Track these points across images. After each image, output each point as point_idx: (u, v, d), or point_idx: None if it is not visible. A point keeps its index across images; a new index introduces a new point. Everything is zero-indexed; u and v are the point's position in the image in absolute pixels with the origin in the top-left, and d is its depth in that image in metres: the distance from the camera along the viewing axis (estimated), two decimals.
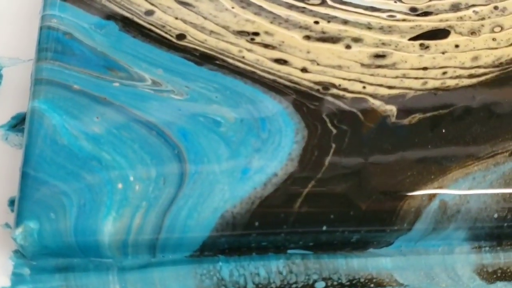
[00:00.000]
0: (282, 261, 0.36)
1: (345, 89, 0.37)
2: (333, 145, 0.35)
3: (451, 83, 0.38)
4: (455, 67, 0.38)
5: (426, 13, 0.40)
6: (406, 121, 0.36)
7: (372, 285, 0.36)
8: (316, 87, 0.37)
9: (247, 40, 0.38)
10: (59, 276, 0.35)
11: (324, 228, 0.34)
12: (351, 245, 0.35)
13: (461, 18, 0.40)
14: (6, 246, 0.35)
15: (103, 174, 0.34)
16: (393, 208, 0.34)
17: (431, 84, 0.37)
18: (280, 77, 0.37)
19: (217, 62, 0.37)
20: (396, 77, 0.38)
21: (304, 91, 0.37)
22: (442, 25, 0.39)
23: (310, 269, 0.36)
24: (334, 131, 0.36)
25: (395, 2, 0.40)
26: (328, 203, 0.34)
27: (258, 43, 0.38)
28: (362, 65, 0.38)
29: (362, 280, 0.36)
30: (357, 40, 0.39)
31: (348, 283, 0.35)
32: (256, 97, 0.36)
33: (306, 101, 0.36)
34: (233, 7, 0.39)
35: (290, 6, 0.40)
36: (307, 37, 0.39)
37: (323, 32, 0.39)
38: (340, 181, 0.35)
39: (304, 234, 0.35)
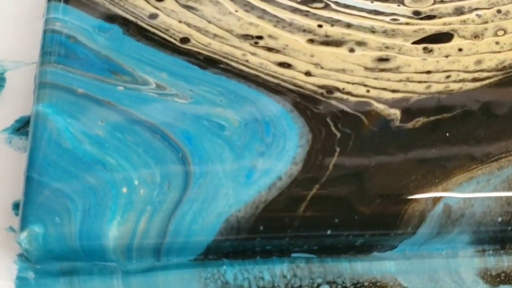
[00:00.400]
0: (286, 264, 0.36)
1: (349, 93, 0.37)
2: (337, 149, 0.35)
3: (455, 86, 0.38)
4: (458, 70, 0.38)
5: (429, 17, 0.40)
6: (410, 124, 0.36)
7: None
8: (320, 90, 0.37)
9: (251, 44, 0.38)
10: (63, 280, 0.35)
11: (329, 232, 0.34)
12: (355, 249, 0.35)
13: (464, 22, 0.40)
14: (11, 250, 0.35)
15: (108, 178, 0.34)
16: (398, 212, 0.35)
17: (435, 87, 0.38)
18: (284, 80, 0.37)
19: (221, 65, 0.37)
20: (400, 80, 0.38)
21: (308, 94, 0.37)
22: (445, 28, 0.40)
23: (314, 273, 0.36)
24: (338, 134, 0.36)
25: (399, 5, 0.40)
26: (332, 207, 0.34)
27: (262, 47, 0.38)
28: (366, 68, 0.38)
29: (366, 283, 0.36)
30: (360, 43, 0.39)
31: (352, 286, 0.36)
32: (260, 101, 0.37)
33: (310, 104, 0.37)
34: (236, 11, 0.39)
35: (294, 10, 0.40)
36: (311, 41, 0.39)
37: (327, 36, 0.39)
38: (345, 184, 0.35)
39: (309, 238, 0.35)
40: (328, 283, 0.36)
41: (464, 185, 0.35)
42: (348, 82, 0.37)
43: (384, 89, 0.37)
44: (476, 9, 0.40)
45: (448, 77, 0.38)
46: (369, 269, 0.36)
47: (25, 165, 0.34)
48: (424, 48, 0.39)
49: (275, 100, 0.37)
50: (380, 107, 0.37)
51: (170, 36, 0.38)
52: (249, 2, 0.40)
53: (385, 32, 0.39)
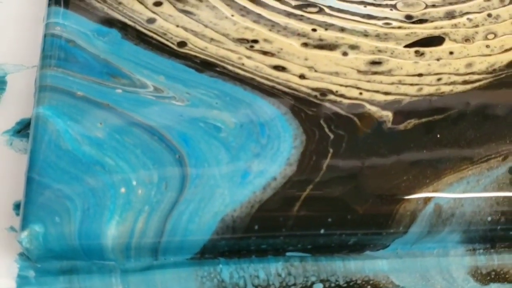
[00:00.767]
0: (281, 263, 0.36)
1: (342, 95, 0.38)
2: (331, 150, 0.36)
3: (446, 89, 0.38)
4: (449, 73, 0.39)
5: (421, 21, 0.40)
6: (401, 126, 0.37)
7: (369, 287, 0.36)
8: (314, 93, 0.38)
9: (246, 48, 0.39)
10: (63, 278, 0.35)
11: (322, 231, 0.35)
12: (348, 248, 0.36)
13: (455, 26, 0.40)
14: (12, 249, 0.35)
15: (107, 178, 0.34)
16: (389, 211, 0.35)
17: (426, 90, 0.38)
18: (278, 83, 0.38)
19: (217, 69, 0.38)
20: (392, 83, 0.38)
21: (302, 97, 0.37)
22: (437, 32, 0.40)
23: (308, 271, 0.36)
24: (332, 136, 0.36)
25: (391, 10, 0.41)
26: (325, 207, 0.35)
27: (257, 50, 0.39)
28: (359, 71, 0.38)
29: (359, 282, 0.36)
30: (353, 47, 0.39)
31: (345, 285, 0.36)
32: (255, 103, 0.37)
33: (304, 107, 0.37)
34: (232, 15, 0.40)
35: (289, 14, 0.40)
36: (305, 44, 0.39)
37: (321, 40, 0.39)
38: (338, 185, 0.35)
39: (303, 237, 0.35)
40: (321, 281, 0.36)
41: (454, 185, 0.36)
42: (341, 85, 0.38)
43: (377, 91, 0.38)
44: (467, 13, 0.41)
45: (439, 79, 0.38)
46: (362, 267, 0.36)
47: (26, 166, 0.35)
48: (416, 52, 0.39)
49: (270, 102, 0.37)
50: (372, 109, 0.37)
51: (168, 40, 0.39)
52: (245, 7, 0.40)
53: (377, 36, 0.40)
